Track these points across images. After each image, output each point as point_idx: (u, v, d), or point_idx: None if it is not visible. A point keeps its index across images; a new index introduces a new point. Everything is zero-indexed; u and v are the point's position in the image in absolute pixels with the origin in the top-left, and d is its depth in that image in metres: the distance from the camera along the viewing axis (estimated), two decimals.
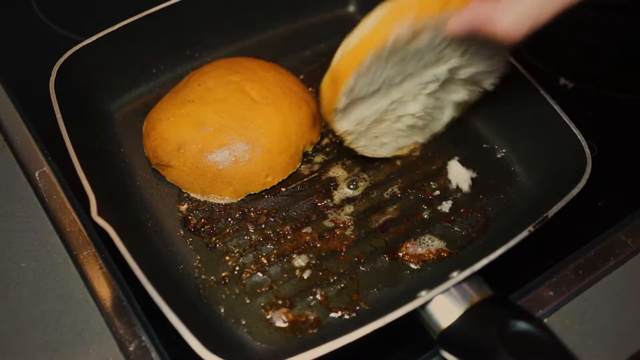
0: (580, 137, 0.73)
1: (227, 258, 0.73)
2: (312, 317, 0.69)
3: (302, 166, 0.82)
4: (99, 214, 0.62)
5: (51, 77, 0.75)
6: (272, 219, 0.77)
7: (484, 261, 0.61)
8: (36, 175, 0.81)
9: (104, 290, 0.71)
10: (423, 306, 0.60)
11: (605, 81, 0.96)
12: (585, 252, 0.76)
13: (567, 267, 0.75)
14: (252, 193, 0.78)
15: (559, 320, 0.71)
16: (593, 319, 0.72)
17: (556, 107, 0.75)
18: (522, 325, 0.55)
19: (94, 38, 0.80)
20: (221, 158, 0.76)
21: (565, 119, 0.74)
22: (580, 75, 0.97)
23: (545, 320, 0.71)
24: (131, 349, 0.67)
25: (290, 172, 0.80)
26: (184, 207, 0.78)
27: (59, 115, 0.72)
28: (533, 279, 0.74)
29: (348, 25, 0.99)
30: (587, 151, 0.71)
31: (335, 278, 0.72)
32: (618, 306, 0.73)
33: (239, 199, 0.78)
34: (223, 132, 0.77)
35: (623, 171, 0.86)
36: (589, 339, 0.70)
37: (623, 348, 0.70)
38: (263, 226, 0.76)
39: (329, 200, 0.79)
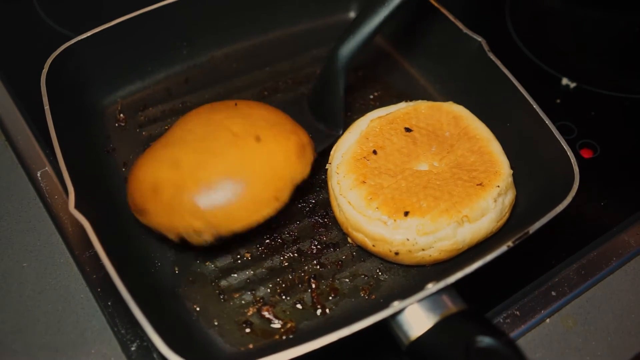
0: (569, 153, 0.71)
1: (204, 258, 0.73)
2: (285, 323, 0.68)
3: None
4: (77, 207, 0.63)
5: (43, 71, 0.76)
6: None
7: (459, 274, 0.61)
8: (38, 175, 0.81)
9: (106, 290, 0.71)
10: (394, 316, 0.59)
11: (607, 81, 0.96)
12: (587, 253, 0.76)
13: (569, 268, 0.75)
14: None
15: (562, 320, 0.71)
16: (596, 320, 0.72)
17: (547, 121, 0.74)
18: (488, 341, 0.55)
19: (88, 34, 0.81)
20: (199, 196, 0.67)
21: (555, 132, 0.73)
22: (582, 75, 0.97)
23: (548, 320, 0.71)
24: (133, 349, 0.67)
25: (279, 208, 0.71)
26: None
27: (47, 108, 0.72)
28: (535, 280, 0.74)
29: None
30: (576, 168, 0.70)
31: (313, 284, 0.71)
32: (621, 306, 0.73)
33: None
34: (201, 168, 0.69)
35: (625, 171, 0.86)
36: (592, 339, 0.70)
37: (626, 349, 0.69)
38: None
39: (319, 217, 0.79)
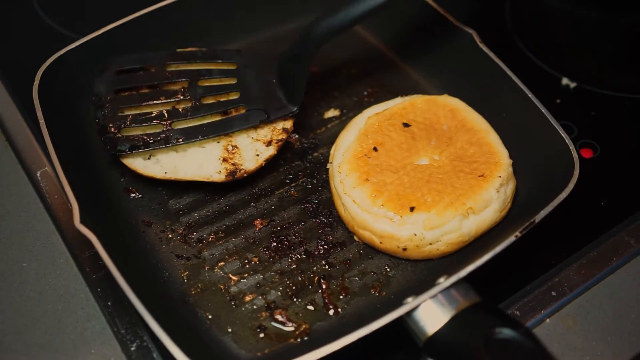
0: (568, 141, 0.72)
1: (213, 264, 0.73)
2: (298, 325, 0.68)
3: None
4: (82, 222, 0.62)
5: (35, 82, 0.75)
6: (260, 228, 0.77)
7: (470, 267, 0.61)
8: (38, 175, 0.81)
9: (106, 290, 0.71)
10: (409, 313, 0.59)
11: (607, 80, 0.96)
12: (587, 252, 0.76)
13: (569, 267, 0.75)
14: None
15: (562, 320, 0.71)
16: (596, 320, 0.72)
17: (544, 111, 0.75)
18: (507, 332, 0.55)
19: (80, 41, 0.80)
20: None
21: (552, 122, 0.74)
22: (583, 74, 0.97)
23: (548, 320, 0.71)
24: (133, 348, 0.67)
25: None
26: (170, 214, 0.77)
27: (42, 122, 0.72)
28: (535, 279, 0.74)
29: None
30: (575, 155, 0.70)
31: (323, 284, 0.71)
32: (621, 306, 0.73)
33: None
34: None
35: (625, 170, 0.85)
36: (592, 339, 0.70)
37: (626, 348, 0.69)
38: (250, 234, 0.76)
39: (322, 217, 0.78)
